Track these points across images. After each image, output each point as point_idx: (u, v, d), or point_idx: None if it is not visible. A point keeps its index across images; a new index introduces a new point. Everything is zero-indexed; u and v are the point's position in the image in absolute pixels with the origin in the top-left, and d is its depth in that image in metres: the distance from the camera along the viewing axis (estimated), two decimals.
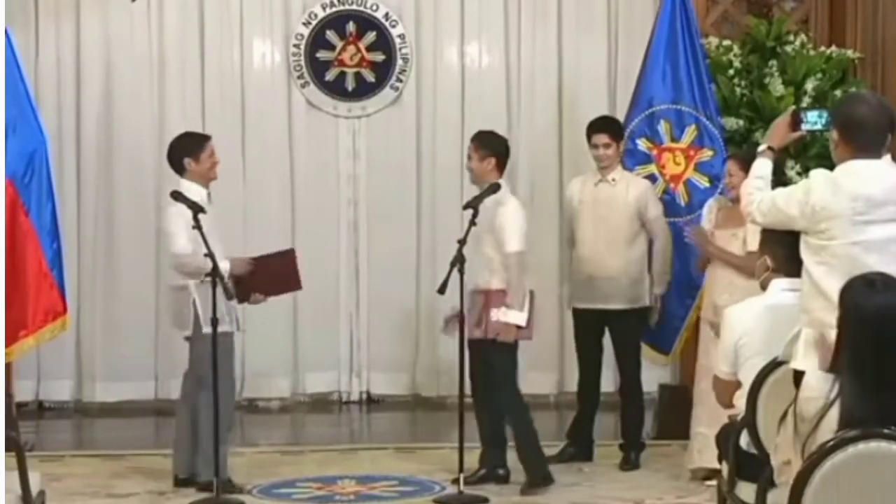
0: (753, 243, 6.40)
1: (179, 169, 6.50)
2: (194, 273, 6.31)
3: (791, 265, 4.61)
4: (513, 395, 6.55)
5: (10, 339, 7.25)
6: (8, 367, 7.57)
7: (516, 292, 6.36)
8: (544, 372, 8.97)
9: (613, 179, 7.09)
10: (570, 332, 7.51)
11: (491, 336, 6.43)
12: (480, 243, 6.46)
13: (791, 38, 7.98)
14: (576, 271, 7.19)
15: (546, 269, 9.03)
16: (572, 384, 7.88)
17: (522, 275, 6.42)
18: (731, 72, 7.90)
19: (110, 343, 8.94)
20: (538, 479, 6.50)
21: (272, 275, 6.52)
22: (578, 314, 7.20)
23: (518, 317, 6.36)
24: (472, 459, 6.74)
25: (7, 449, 4.49)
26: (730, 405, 4.83)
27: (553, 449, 7.10)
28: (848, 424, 3.62)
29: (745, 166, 6.54)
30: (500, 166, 6.65)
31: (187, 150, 6.51)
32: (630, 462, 7.00)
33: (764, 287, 4.82)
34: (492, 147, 6.65)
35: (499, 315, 6.38)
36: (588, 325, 7.14)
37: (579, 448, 7.18)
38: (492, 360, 6.47)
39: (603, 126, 7.21)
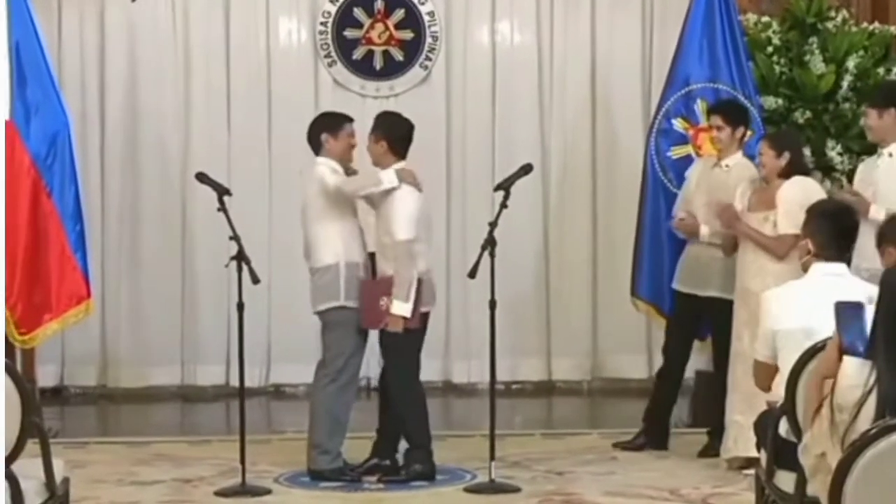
0: (784, 226, 6.38)
1: (317, 146, 6.48)
2: (361, 188, 6.38)
3: (831, 250, 4.56)
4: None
5: (34, 324, 7.30)
6: (31, 351, 7.63)
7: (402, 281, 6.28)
8: (632, 355, 8.96)
9: (727, 166, 6.92)
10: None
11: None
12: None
13: (832, 13, 7.90)
14: (682, 255, 7.12)
15: (576, 252, 9.04)
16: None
17: (411, 264, 6.31)
18: (770, 49, 7.83)
19: (135, 327, 8.98)
20: (409, 472, 6.42)
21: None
22: (678, 297, 7.14)
23: (403, 308, 6.27)
24: (504, 447, 6.74)
25: (31, 436, 4.50)
26: (769, 389, 4.81)
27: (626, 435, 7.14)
28: (886, 412, 3.59)
29: (777, 146, 6.56)
30: (394, 149, 6.47)
31: (327, 126, 6.50)
32: (714, 448, 6.91)
33: (805, 269, 4.78)
34: (384, 129, 6.53)
35: (388, 304, 6.29)
36: (684, 310, 7.09)
37: (653, 436, 7.16)
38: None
39: (718, 108, 7.09)
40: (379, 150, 6.46)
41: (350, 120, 6.60)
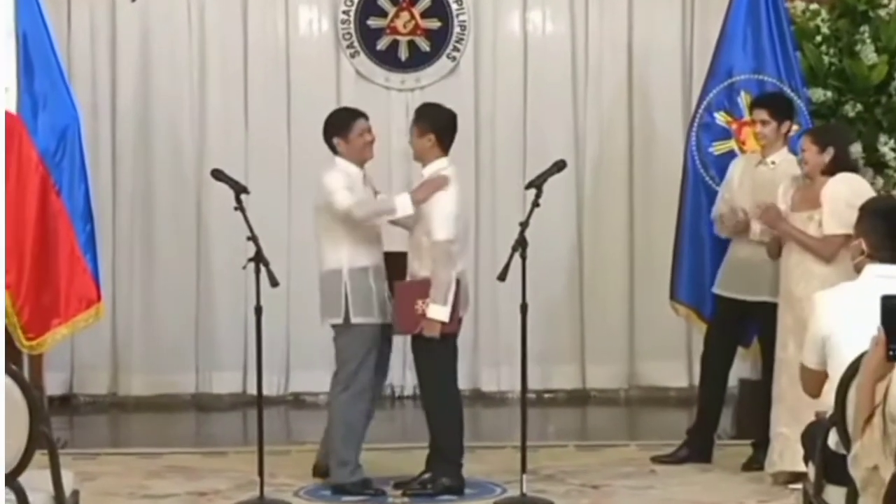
0: (830, 226, 6.35)
1: (333, 149, 6.50)
2: (374, 214, 6.36)
3: (886, 250, 4.54)
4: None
5: (43, 329, 7.33)
6: (39, 358, 7.66)
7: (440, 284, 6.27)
8: (673, 362, 8.96)
9: (773, 163, 6.89)
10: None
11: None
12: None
13: (885, 0, 7.86)
14: (726, 256, 7.10)
15: (612, 254, 9.02)
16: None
17: (450, 265, 6.30)
18: (819, 38, 7.81)
19: (148, 332, 9.00)
20: (436, 486, 6.41)
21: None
22: (721, 301, 7.12)
23: (441, 311, 6.26)
24: (536, 459, 6.73)
25: (39, 446, 4.52)
26: (817, 395, 4.78)
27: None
28: None
29: (820, 142, 6.53)
30: (442, 142, 6.48)
31: (336, 129, 6.49)
32: (759, 461, 6.89)
33: (858, 271, 4.75)
34: (431, 121, 6.51)
35: (424, 308, 6.28)
36: (727, 315, 7.07)
37: (696, 448, 7.13)
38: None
39: (763, 102, 7.06)
40: (426, 144, 6.46)
41: (360, 115, 6.59)
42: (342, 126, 6.50)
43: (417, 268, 6.38)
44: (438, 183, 6.36)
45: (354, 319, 6.36)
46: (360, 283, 6.37)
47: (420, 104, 6.83)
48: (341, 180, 6.36)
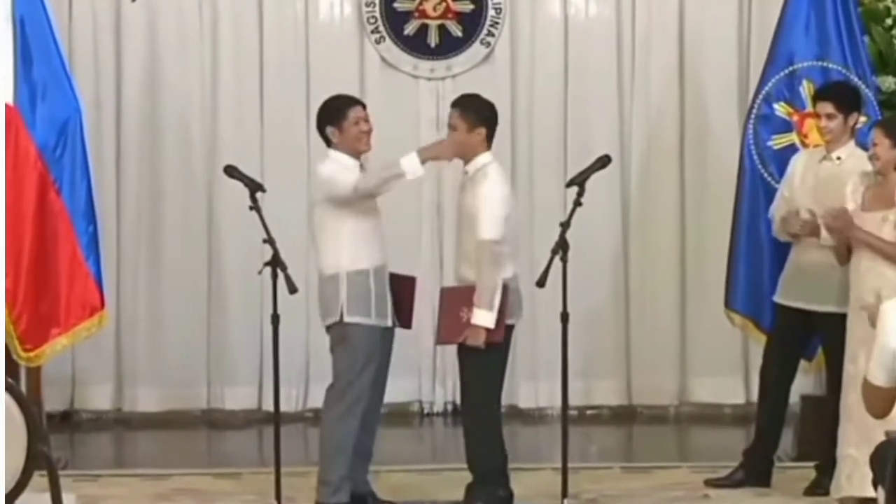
0: None
1: (327, 141, 6.53)
2: (382, 182, 6.40)
3: None
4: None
5: (41, 339, 7.34)
6: (37, 370, 7.67)
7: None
8: (728, 377, 8.95)
9: (839, 158, 6.87)
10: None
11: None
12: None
13: None
14: (787, 262, 7.07)
15: (661, 258, 9.00)
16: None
17: (495, 267, 6.31)
18: (889, 21, 7.80)
19: (155, 343, 9.01)
20: None
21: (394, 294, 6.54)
22: (782, 311, 7.10)
23: (485, 317, 6.26)
24: (578, 482, 6.70)
25: (37, 467, 4.53)
26: (883, 415, 4.75)
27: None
28: None
29: (893, 135, 6.49)
30: (490, 137, 6.53)
31: (329, 118, 6.53)
32: (823, 486, 6.85)
33: None
34: (480, 114, 6.54)
35: (469, 315, 6.30)
36: (789, 326, 7.05)
37: (754, 471, 7.10)
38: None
39: (828, 93, 7.02)
40: (476, 139, 6.48)
41: (356, 102, 6.62)
42: (336, 114, 6.52)
43: (466, 272, 6.38)
44: (446, 144, 6.44)
45: (348, 318, 6.36)
46: (359, 285, 6.39)
47: (461, 95, 6.80)
48: (337, 169, 6.40)
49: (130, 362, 9.01)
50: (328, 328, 6.48)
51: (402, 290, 6.52)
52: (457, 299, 6.36)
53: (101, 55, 8.94)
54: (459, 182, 6.65)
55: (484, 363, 6.36)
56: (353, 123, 6.49)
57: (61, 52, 7.53)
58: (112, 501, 6.85)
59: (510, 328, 6.42)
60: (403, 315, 6.57)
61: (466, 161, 6.50)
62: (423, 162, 6.35)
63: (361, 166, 6.55)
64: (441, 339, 6.47)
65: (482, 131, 6.47)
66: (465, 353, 6.38)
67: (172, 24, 8.97)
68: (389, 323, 6.49)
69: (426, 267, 8.93)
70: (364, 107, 6.62)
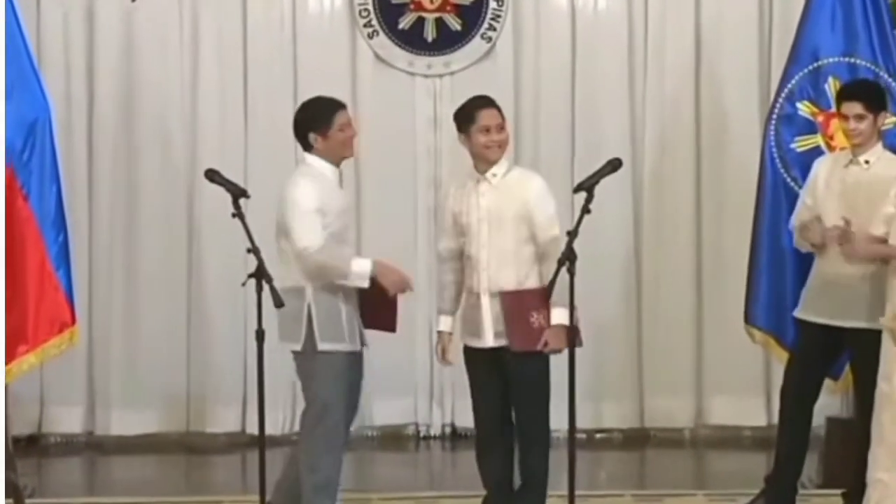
0: None
1: (306, 145, 6.53)
2: (323, 272, 6.36)
3: None
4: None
5: (7, 357, 7.28)
6: (3, 391, 7.64)
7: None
8: (748, 398, 8.95)
9: (867, 162, 6.86)
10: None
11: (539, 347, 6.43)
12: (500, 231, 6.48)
13: None
14: (811, 274, 7.07)
15: (676, 269, 8.99)
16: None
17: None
18: None
19: (131, 361, 9.00)
20: None
21: (370, 304, 6.54)
22: (805, 327, 7.10)
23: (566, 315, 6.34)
24: None
25: (4, 495, 4.52)
26: None
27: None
28: None
29: None
30: None
31: (312, 124, 6.50)
32: None
33: None
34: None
35: (539, 319, 6.37)
36: (814, 343, 7.03)
37: (776, 498, 7.10)
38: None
39: (855, 92, 6.99)
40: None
41: (341, 106, 6.60)
42: (321, 119, 6.50)
43: (513, 278, 6.42)
44: (401, 281, 6.48)
45: (322, 346, 6.36)
46: (328, 305, 6.37)
47: (480, 96, 6.80)
48: (313, 197, 6.35)
49: (103, 382, 9.01)
50: (294, 353, 6.47)
51: (381, 292, 6.52)
52: (523, 304, 6.42)
53: (72, 49, 8.95)
54: (467, 188, 6.60)
55: (546, 372, 6.46)
56: (338, 129, 6.49)
57: (29, 47, 7.50)
58: None
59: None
60: (388, 318, 6.57)
61: (486, 168, 6.51)
62: (371, 276, 6.36)
63: (340, 175, 6.58)
64: (516, 346, 6.48)
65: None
66: (534, 364, 6.42)
67: (149, 16, 8.96)
68: (359, 346, 6.51)
69: (422, 274, 8.92)
70: (347, 109, 6.62)
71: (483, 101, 6.57)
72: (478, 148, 6.49)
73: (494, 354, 6.48)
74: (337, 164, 6.55)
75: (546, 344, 6.37)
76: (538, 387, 6.48)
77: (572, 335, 6.33)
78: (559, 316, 6.33)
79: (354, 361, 6.51)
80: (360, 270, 6.37)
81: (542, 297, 6.35)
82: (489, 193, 6.50)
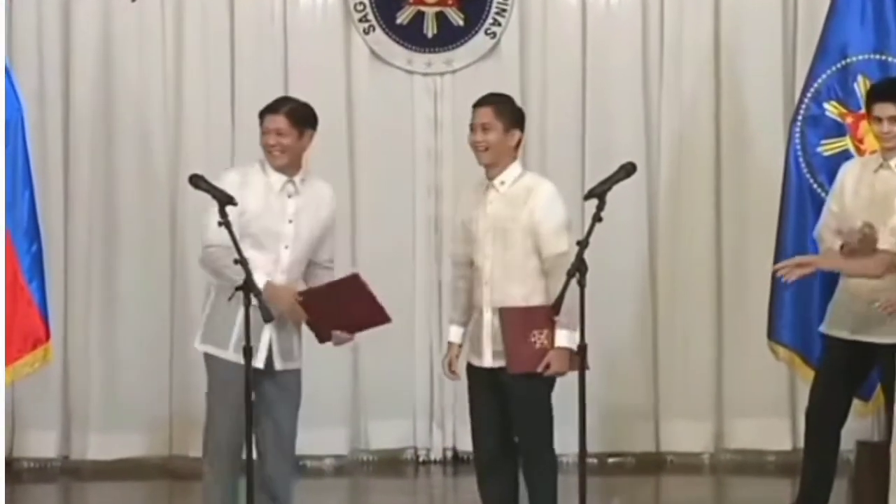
0: None
1: None
2: (215, 271, 6.47)
3: None
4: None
5: None
6: None
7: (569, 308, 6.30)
8: (772, 420, 8.93)
9: None
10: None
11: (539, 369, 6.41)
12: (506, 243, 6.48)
13: None
14: (838, 287, 7.04)
15: (694, 281, 8.97)
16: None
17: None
18: None
19: (109, 381, 8.98)
20: None
21: (347, 306, 6.52)
22: (832, 344, 7.08)
23: (573, 338, 6.32)
24: None
25: None
26: None
27: None
28: None
29: None
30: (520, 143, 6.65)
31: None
32: None
33: None
34: (516, 116, 6.61)
35: (542, 339, 6.34)
36: (841, 361, 7.02)
37: None
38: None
39: (888, 92, 6.99)
40: (511, 142, 6.54)
41: (267, 110, 6.65)
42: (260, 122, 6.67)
43: (518, 294, 6.40)
44: (291, 311, 6.47)
45: (198, 345, 6.54)
46: (226, 309, 6.40)
47: (488, 94, 6.74)
48: (236, 181, 6.49)
49: (80, 403, 8.98)
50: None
51: (349, 291, 6.50)
52: (524, 321, 6.39)
53: (46, 46, 8.92)
54: (478, 194, 6.58)
55: (549, 398, 6.44)
56: (263, 134, 6.58)
57: None
58: None
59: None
60: (375, 312, 6.54)
61: (493, 173, 6.48)
62: (263, 293, 6.34)
63: (293, 183, 6.56)
64: (514, 367, 6.44)
65: (518, 135, 6.55)
66: (536, 386, 6.40)
67: (129, 9, 8.94)
68: (259, 364, 6.48)
69: (421, 287, 8.92)
70: (268, 115, 6.62)
71: (479, 99, 6.59)
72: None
73: (494, 375, 6.45)
74: (275, 168, 6.57)
75: (547, 366, 6.35)
76: (540, 409, 6.46)
77: (581, 358, 6.30)
78: (564, 338, 6.31)
79: (236, 376, 6.40)
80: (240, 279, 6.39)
81: (547, 315, 6.32)
82: (496, 202, 6.48)
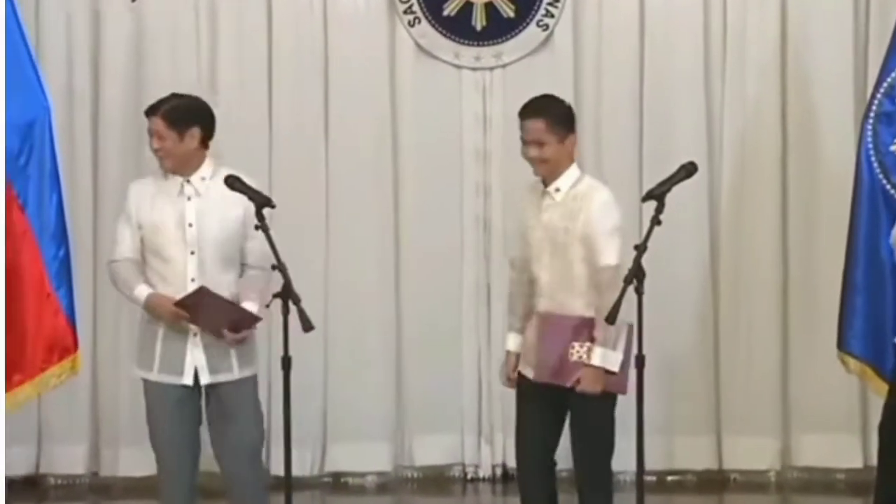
0: None
1: None
2: (119, 285, 6.75)
3: None
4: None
5: None
6: None
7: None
8: (842, 436, 8.93)
9: None
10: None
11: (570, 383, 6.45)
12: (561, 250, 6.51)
13: None
14: None
15: (760, 288, 8.97)
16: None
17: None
18: None
19: (139, 393, 8.98)
20: None
21: (214, 312, 6.62)
22: None
23: (610, 359, 6.36)
24: None
25: None
26: None
27: None
28: None
29: None
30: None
31: None
32: None
33: None
34: (571, 121, 6.67)
35: (582, 353, 6.37)
36: None
37: None
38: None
39: None
40: (569, 149, 6.61)
41: (147, 112, 6.77)
42: None
43: (576, 305, 6.45)
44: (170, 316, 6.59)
45: (135, 371, 6.82)
46: (144, 328, 6.68)
47: (534, 101, 6.77)
48: (127, 204, 6.70)
49: (109, 417, 9.04)
50: None
51: (205, 301, 6.56)
52: (565, 331, 6.43)
53: (75, 44, 8.99)
54: (533, 197, 6.63)
55: (607, 416, 6.49)
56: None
57: (28, 42, 7.54)
58: None
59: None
60: (239, 317, 6.60)
61: (548, 181, 6.53)
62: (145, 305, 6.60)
63: (191, 184, 6.65)
64: (544, 376, 6.48)
65: (574, 140, 6.62)
66: (595, 405, 6.43)
67: (161, 2, 9.01)
68: (187, 380, 6.64)
69: (469, 293, 8.93)
70: (149, 116, 6.74)
71: (523, 110, 6.63)
72: None
73: (550, 389, 6.48)
74: (167, 171, 6.69)
75: (578, 382, 6.37)
76: (600, 427, 6.49)
77: (638, 370, 6.32)
78: (598, 357, 6.33)
79: (165, 396, 6.63)
80: (137, 299, 6.65)
81: (593, 329, 6.36)
82: (551, 210, 6.52)
